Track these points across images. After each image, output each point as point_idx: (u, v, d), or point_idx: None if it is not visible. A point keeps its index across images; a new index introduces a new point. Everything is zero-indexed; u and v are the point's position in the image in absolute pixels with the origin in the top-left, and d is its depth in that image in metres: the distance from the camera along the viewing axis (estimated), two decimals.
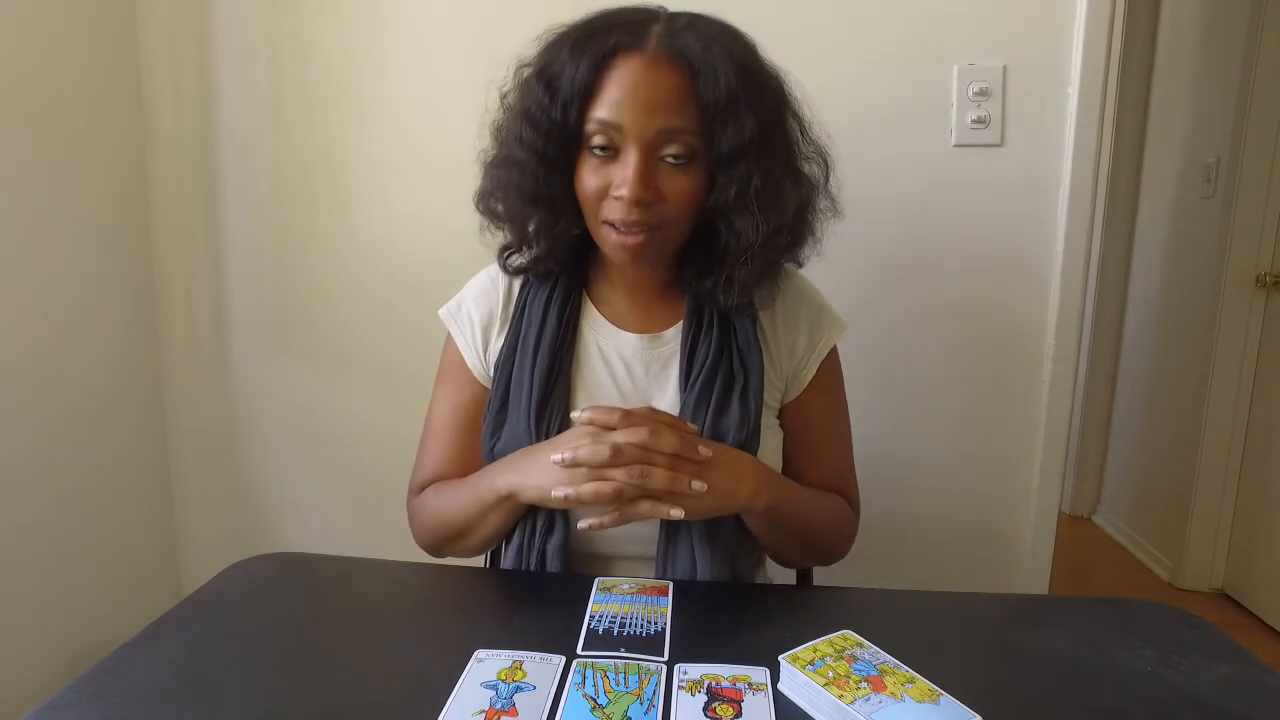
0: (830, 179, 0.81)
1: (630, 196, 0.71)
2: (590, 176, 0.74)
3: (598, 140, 0.73)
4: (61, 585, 1.26)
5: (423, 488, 0.87)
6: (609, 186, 0.73)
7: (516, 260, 0.85)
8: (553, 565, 0.76)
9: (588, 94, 0.72)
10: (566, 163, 0.75)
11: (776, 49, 0.78)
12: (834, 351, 0.87)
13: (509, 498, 0.75)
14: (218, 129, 1.34)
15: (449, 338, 0.88)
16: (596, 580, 0.72)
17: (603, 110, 0.72)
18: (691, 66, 0.71)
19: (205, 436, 1.44)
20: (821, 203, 0.80)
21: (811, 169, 0.80)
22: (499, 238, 0.84)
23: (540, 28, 0.78)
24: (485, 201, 0.82)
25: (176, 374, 1.42)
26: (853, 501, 0.89)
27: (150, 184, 1.37)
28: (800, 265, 0.85)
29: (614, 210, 0.74)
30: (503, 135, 0.80)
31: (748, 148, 0.73)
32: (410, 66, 1.29)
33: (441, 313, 0.88)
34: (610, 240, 0.76)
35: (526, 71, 0.77)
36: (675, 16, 0.75)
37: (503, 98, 0.80)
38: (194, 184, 1.36)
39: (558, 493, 0.69)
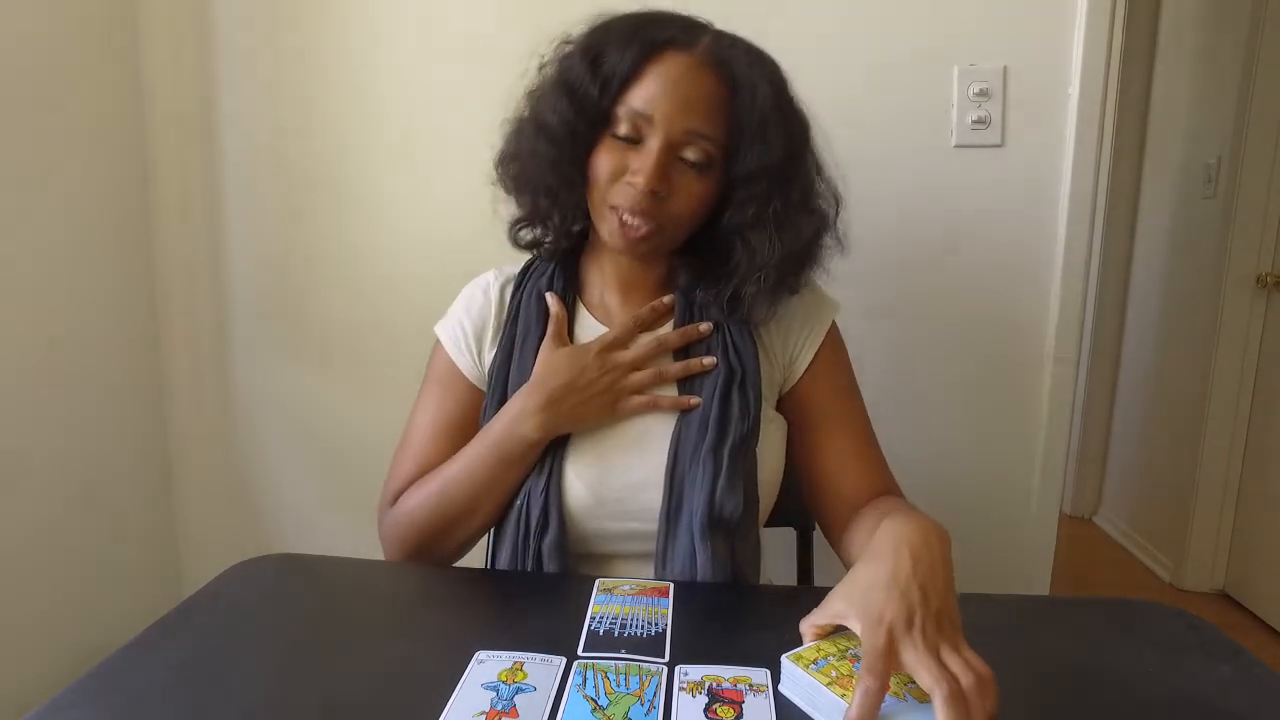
0: (839, 217, 0.81)
1: (645, 184, 0.72)
2: (607, 157, 0.75)
3: (624, 129, 0.74)
4: (63, 586, 1.26)
5: (397, 496, 0.83)
6: (624, 171, 0.74)
7: (527, 235, 0.86)
8: (549, 565, 0.76)
9: (627, 80, 0.73)
10: (590, 139, 0.76)
11: (778, 50, 0.78)
12: (834, 331, 0.86)
13: (539, 443, 0.76)
14: (218, 130, 1.34)
15: (436, 347, 0.87)
16: (597, 581, 0.72)
17: (638, 101, 0.73)
18: (733, 79, 0.73)
19: (206, 438, 1.44)
20: (829, 239, 0.81)
21: (824, 206, 0.81)
22: (510, 211, 0.85)
23: (542, 35, 0.79)
24: (505, 165, 0.83)
25: (177, 376, 1.42)
26: (892, 489, 0.85)
27: (150, 185, 1.36)
28: (795, 292, 0.83)
29: (624, 195, 0.74)
30: (536, 102, 0.80)
31: (772, 170, 0.75)
32: (411, 70, 1.29)
33: (437, 327, 0.88)
34: (612, 227, 0.76)
35: (569, 48, 0.78)
36: (723, 34, 0.77)
37: (541, 68, 0.80)
38: (194, 185, 1.36)
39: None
